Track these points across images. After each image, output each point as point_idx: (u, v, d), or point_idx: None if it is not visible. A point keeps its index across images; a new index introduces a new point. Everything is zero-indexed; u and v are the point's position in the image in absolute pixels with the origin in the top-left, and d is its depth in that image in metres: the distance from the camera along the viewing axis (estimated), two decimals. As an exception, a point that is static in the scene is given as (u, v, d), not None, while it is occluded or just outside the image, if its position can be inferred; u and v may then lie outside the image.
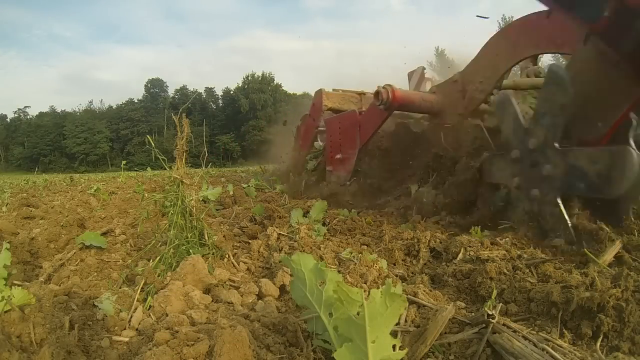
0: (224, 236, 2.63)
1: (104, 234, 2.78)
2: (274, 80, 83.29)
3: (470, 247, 2.27)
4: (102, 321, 1.51)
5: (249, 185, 5.72)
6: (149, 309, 1.63)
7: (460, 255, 2.21)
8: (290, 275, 1.88)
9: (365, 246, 2.57)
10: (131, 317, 1.57)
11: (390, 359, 1.00)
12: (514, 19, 3.63)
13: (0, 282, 1.36)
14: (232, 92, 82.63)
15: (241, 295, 1.80)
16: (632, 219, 2.24)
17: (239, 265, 2.24)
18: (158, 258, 2.04)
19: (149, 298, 1.69)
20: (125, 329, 1.50)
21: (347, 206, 3.90)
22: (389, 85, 4.13)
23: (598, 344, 1.27)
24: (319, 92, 6.05)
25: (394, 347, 1.01)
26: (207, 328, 1.32)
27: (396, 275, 2.03)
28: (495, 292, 1.60)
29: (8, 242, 1.78)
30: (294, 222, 2.90)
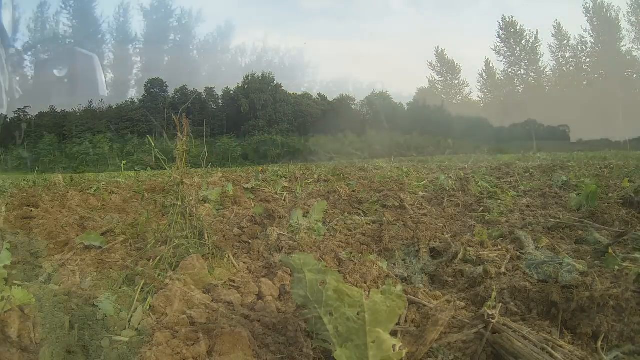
0: (224, 236, 2.63)
1: (104, 234, 2.78)
2: (274, 80, 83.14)
3: (470, 247, 2.27)
4: (102, 321, 1.51)
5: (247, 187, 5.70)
6: (149, 309, 1.63)
7: (460, 255, 2.21)
8: (291, 275, 1.88)
9: (365, 246, 2.57)
10: (131, 317, 1.57)
11: (390, 359, 1.00)
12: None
13: (0, 282, 1.36)
14: (232, 92, 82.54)
15: (241, 295, 1.80)
16: None
17: (239, 265, 2.24)
18: (158, 258, 2.04)
19: (149, 298, 1.69)
20: (125, 329, 1.50)
21: None
22: None
23: (598, 344, 1.27)
24: None
25: (394, 347, 1.01)
26: (207, 328, 1.32)
27: (396, 275, 2.03)
28: (495, 292, 1.60)
29: (8, 242, 1.78)
30: (294, 222, 2.90)
